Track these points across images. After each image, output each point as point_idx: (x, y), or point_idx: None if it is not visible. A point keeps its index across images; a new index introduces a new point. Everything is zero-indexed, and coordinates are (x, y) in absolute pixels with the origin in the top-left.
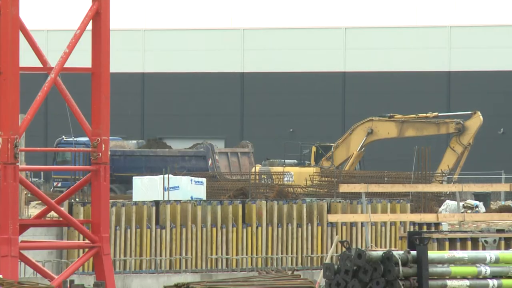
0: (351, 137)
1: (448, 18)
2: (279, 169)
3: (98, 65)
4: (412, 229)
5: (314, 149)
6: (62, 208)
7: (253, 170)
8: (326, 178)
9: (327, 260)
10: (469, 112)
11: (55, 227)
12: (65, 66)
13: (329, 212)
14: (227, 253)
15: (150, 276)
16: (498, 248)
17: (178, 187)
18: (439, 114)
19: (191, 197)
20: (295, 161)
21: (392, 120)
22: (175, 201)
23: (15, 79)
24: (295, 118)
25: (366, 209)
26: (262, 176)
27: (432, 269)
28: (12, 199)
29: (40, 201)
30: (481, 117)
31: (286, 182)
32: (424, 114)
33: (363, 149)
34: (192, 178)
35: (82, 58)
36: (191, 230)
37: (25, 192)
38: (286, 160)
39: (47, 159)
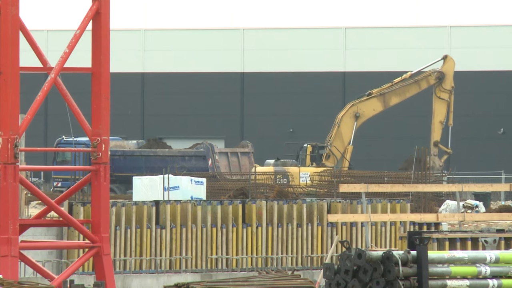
0: (341, 129)
1: (448, 18)
2: (295, 169)
3: (98, 65)
4: (412, 229)
5: (310, 148)
6: (62, 208)
7: (255, 169)
8: (326, 178)
9: (327, 260)
10: (440, 59)
11: (55, 227)
12: (65, 66)
13: (329, 212)
14: (227, 253)
15: (150, 276)
16: (498, 248)
17: (178, 187)
18: (413, 72)
19: (191, 197)
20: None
21: (372, 96)
22: (175, 201)
23: (15, 79)
24: (295, 118)
25: (366, 209)
26: (278, 176)
27: (432, 269)
28: (12, 199)
29: (40, 201)
30: (452, 58)
31: (302, 183)
32: (399, 78)
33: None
34: (192, 178)
35: (82, 58)
36: (191, 230)
37: (25, 192)
38: (288, 160)
39: (47, 159)
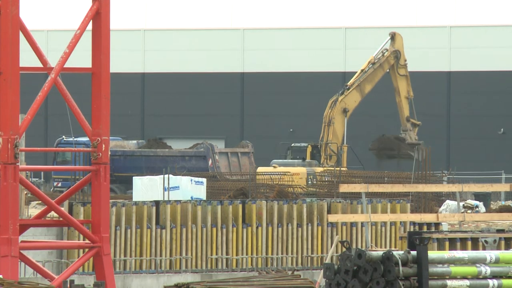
0: (335, 127)
1: (448, 18)
2: (320, 169)
3: (98, 65)
4: (412, 229)
5: (310, 148)
6: (62, 208)
7: (260, 169)
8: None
9: (327, 260)
10: (389, 39)
11: (55, 227)
12: (65, 66)
13: (329, 212)
14: (227, 253)
15: (150, 276)
16: (498, 248)
17: (178, 187)
18: (374, 56)
19: (191, 197)
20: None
21: (352, 88)
22: (175, 201)
23: (15, 79)
24: (295, 118)
25: (366, 209)
26: (310, 176)
27: (432, 269)
28: (12, 199)
29: (40, 201)
30: (400, 34)
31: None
32: (365, 65)
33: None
34: (192, 178)
35: (82, 58)
36: (191, 230)
37: (25, 192)
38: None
39: (47, 159)
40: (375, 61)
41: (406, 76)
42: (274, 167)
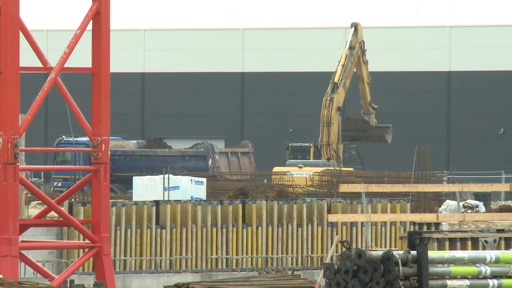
0: (334, 127)
1: (448, 18)
2: (350, 169)
3: (98, 65)
4: (412, 229)
5: (312, 148)
6: (62, 208)
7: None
8: (326, 178)
9: (327, 260)
10: (353, 29)
11: (55, 227)
12: (65, 66)
13: (329, 212)
14: (227, 253)
15: (150, 276)
16: (498, 248)
17: (178, 187)
18: (346, 48)
19: (191, 197)
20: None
21: (340, 85)
22: (175, 201)
23: (15, 79)
24: (295, 118)
25: (366, 209)
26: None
27: (432, 269)
28: (12, 199)
29: (40, 201)
30: (359, 23)
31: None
32: (343, 59)
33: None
34: (192, 178)
35: (82, 58)
36: (191, 230)
37: (25, 192)
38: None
39: (47, 159)
40: (350, 55)
41: (367, 62)
42: (300, 167)
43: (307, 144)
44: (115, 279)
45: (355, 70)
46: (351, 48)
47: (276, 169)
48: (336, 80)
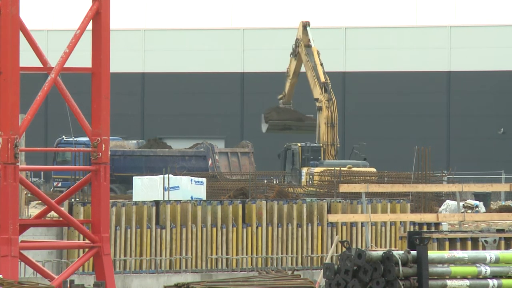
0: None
1: (448, 18)
2: (373, 169)
3: (98, 65)
4: (412, 229)
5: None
6: (62, 208)
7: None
8: (326, 178)
9: (327, 260)
10: (300, 27)
11: (55, 227)
12: (65, 66)
13: (329, 212)
14: (227, 253)
15: (150, 276)
16: (498, 248)
17: (178, 187)
18: (306, 45)
19: (191, 197)
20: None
21: (317, 86)
22: (175, 201)
23: (15, 79)
24: None
25: (366, 209)
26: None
27: (432, 269)
28: (12, 199)
29: (40, 201)
30: (305, 28)
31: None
32: (318, 58)
33: None
34: (192, 178)
35: (82, 58)
36: (191, 230)
37: (25, 192)
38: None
39: (47, 159)
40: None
41: (322, 67)
42: (349, 167)
43: (315, 144)
44: (115, 279)
45: (302, 69)
46: (307, 46)
47: (317, 169)
48: (323, 80)
